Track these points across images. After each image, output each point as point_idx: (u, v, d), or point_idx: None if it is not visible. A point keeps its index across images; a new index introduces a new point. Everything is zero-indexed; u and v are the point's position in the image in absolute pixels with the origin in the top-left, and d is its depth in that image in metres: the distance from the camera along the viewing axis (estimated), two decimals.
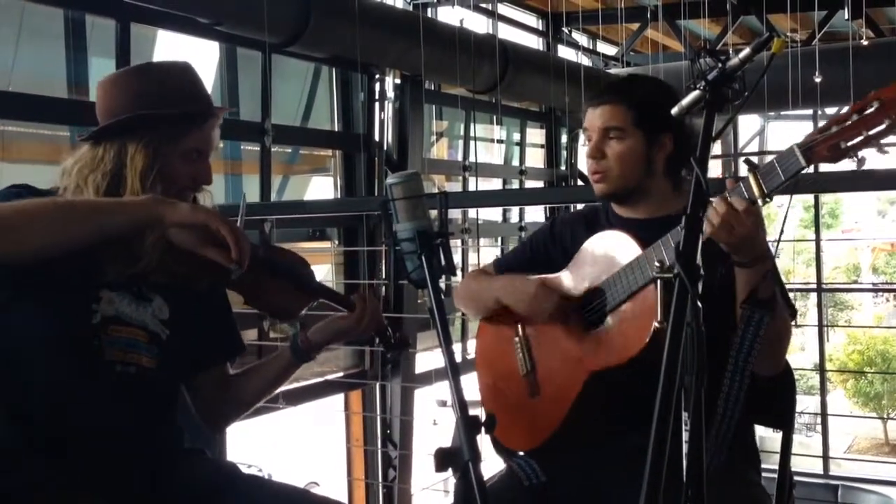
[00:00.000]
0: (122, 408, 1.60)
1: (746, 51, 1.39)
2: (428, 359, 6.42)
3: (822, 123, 1.57)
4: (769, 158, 1.62)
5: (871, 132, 1.50)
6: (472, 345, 7.75)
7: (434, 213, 1.51)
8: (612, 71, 8.79)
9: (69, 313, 1.58)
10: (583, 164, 10.17)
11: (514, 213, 8.67)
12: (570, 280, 1.95)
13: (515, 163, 8.92)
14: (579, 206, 2.19)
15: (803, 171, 1.56)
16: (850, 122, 1.51)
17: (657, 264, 1.41)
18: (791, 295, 1.91)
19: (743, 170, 1.70)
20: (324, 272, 6.66)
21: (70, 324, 1.58)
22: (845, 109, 1.54)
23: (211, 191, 1.77)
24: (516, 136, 8.99)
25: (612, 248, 1.87)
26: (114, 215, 1.52)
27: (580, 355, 1.88)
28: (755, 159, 1.74)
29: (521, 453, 2.00)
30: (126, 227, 1.52)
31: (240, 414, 1.89)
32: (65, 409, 1.57)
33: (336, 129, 6.69)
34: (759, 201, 1.58)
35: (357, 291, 1.82)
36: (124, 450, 1.59)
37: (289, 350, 1.82)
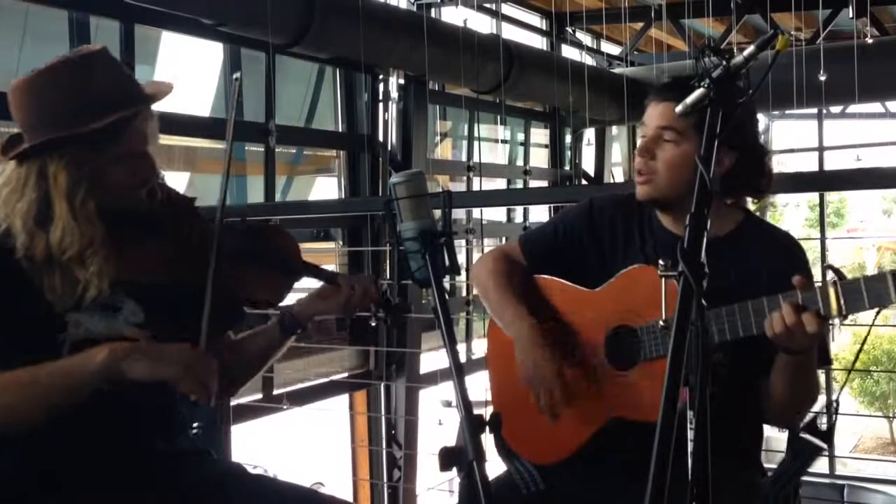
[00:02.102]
0: (117, 424, 1.56)
1: (751, 48, 1.37)
2: (432, 359, 6.42)
3: None
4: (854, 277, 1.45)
5: None
6: (476, 345, 7.76)
7: (438, 212, 1.51)
8: (616, 70, 8.78)
9: (33, 354, 1.49)
10: (588, 164, 10.13)
11: (518, 212, 8.67)
12: (604, 305, 1.84)
13: (519, 163, 8.92)
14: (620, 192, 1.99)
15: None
16: None
17: (662, 263, 1.40)
18: None
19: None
20: None
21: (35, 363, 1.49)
22: None
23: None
24: (520, 136, 8.99)
25: (657, 292, 1.65)
26: (76, 385, 1.45)
27: (606, 397, 1.81)
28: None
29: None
30: (89, 389, 1.47)
31: (248, 376, 1.84)
32: (57, 443, 1.53)
33: (340, 130, 6.69)
34: (835, 320, 1.48)
35: (344, 277, 1.74)
36: (126, 454, 1.58)
37: (277, 325, 1.78)
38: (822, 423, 1.57)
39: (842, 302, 1.46)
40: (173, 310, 1.60)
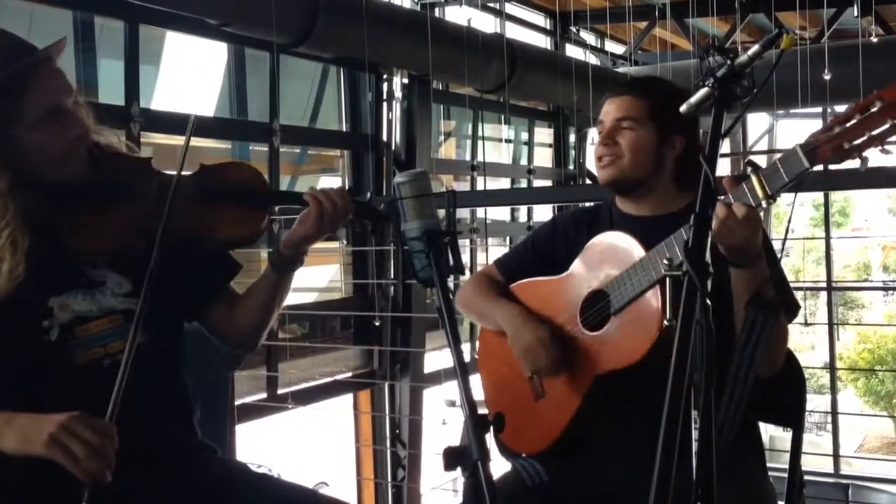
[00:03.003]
0: (123, 400, 1.49)
1: (755, 47, 1.38)
2: (437, 358, 6.42)
3: (825, 123, 1.56)
4: (777, 156, 1.61)
5: (875, 132, 1.49)
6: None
7: (442, 212, 1.51)
8: (621, 70, 8.77)
9: (18, 345, 1.47)
10: (591, 163, 10.12)
11: (522, 212, 8.66)
12: (573, 282, 1.94)
13: (524, 162, 8.91)
14: (582, 204, 2.19)
15: (808, 172, 1.55)
16: (852, 123, 1.51)
17: (665, 262, 1.41)
18: (801, 294, 1.92)
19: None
20: (332, 272, 6.67)
21: (22, 361, 1.46)
22: (848, 109, 1.54)
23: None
24: (524, 136, 8.98)
25: (615, 250, 1.85)
26: None
27: (587, 360, 1.87)
28: (763, 158, 1.75)
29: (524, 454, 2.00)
30: None
31: (264, 324, 1.77)
32: None
33: (344, 130, 6.69)
34: (763, 203, 1.58)
35: (308, 191, 1.66)
36: (131, 447, 1.53)
37: (269, 266, 1.73)
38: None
39: (765, 185, 1.58)
40: (159, 272, 1.51)
